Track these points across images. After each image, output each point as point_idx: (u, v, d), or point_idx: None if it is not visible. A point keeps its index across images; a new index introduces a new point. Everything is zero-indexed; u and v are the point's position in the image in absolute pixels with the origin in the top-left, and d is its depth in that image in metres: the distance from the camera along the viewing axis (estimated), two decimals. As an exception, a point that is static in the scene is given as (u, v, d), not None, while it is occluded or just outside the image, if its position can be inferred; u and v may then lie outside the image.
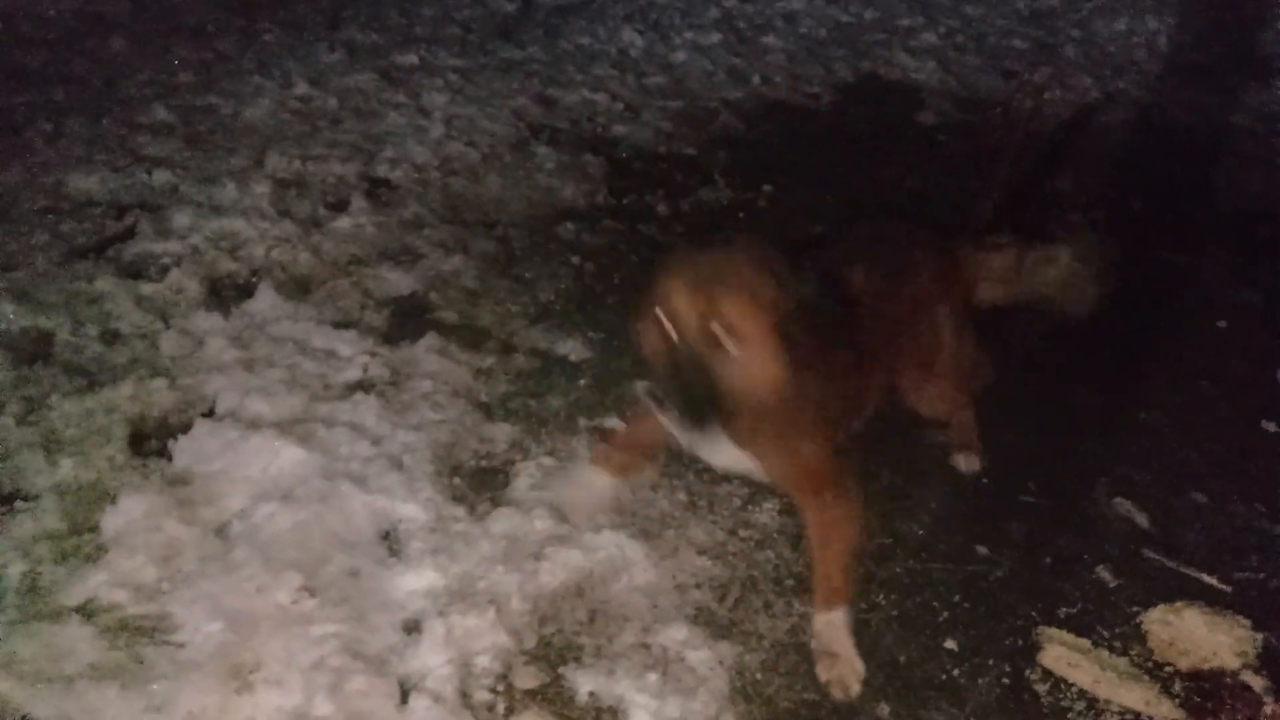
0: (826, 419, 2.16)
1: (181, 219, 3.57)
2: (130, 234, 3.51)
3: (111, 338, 2.93)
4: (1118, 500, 2.59)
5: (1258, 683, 2.05)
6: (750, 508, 2.51)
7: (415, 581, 2.15)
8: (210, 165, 4.03)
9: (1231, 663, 2.10)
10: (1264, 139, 5.25)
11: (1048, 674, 2.10)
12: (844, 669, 2.02)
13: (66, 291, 3.09)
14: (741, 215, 4.20)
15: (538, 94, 5.19)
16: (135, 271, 3.29)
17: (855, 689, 2.00)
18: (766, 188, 4.39)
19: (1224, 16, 6.97)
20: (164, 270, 3.28)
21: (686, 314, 1.90)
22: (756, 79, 5.76)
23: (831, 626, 2.07)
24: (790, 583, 2.29)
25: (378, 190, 3.98)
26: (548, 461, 2.58)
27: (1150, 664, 2.13)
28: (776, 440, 2.09)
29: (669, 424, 2.02)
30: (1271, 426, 2.97)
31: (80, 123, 4.31)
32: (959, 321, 2.61)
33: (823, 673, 2.03)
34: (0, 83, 4.67)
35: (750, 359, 1.91)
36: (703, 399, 1.91)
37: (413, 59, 5.46)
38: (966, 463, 2.68)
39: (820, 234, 3.98)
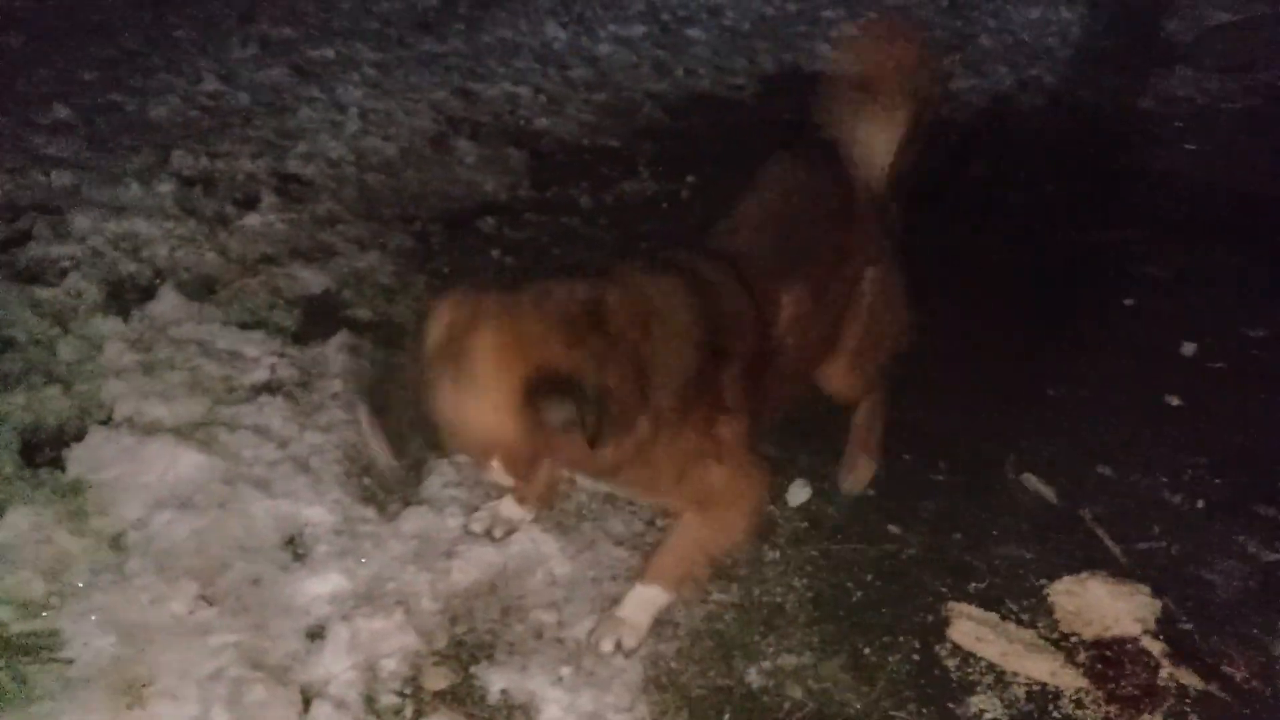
0: (712, 432, 1.96)
1: (81, 221, 3.44)
2: (26, 237, 3.38)
3: (5, 345, 2.81)
4: (1026, 475, 2.64)
5: (1156, 647, 2.10)
6: (668, 497, 2.49)
7: (320, 586, 2.09)
8: (112, 165, 3.89)
9: (1132, 629, 2.15)
10: (1169, 122, 5.41)
11: (957, 648, 2.13)
12: (627, 634, 2.04)
13: (-45, 299, 2.96)
14: (665, 206, 4.20)
15: (458, 87, 5.12)
16: (31, 276, 3.17)
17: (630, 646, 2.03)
18: (690, 178, 4.38)
19: (1133, 4, 7.18)
20: (62, 274, 3.16)
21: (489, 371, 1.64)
22: (680, 71, 5.76)
23: (645, 600, 2.07)
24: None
25: (289, 186, 3.88)
26: (461, 458, 2.54)
27: (1056, 634, 2.18)
28: (650, 470, 1.91)
29: (377, 442, 2.08)
30: (1175, 400, 3.05)
31: (-27, 123, 4.14)
32: (885, 283, 2.36)
33: (604, 635, 2.04)
34: (-113, 82, 4.46)
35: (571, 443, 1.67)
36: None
37: (328, 53, 5.35)
38: (852, 480, 2.52)
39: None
